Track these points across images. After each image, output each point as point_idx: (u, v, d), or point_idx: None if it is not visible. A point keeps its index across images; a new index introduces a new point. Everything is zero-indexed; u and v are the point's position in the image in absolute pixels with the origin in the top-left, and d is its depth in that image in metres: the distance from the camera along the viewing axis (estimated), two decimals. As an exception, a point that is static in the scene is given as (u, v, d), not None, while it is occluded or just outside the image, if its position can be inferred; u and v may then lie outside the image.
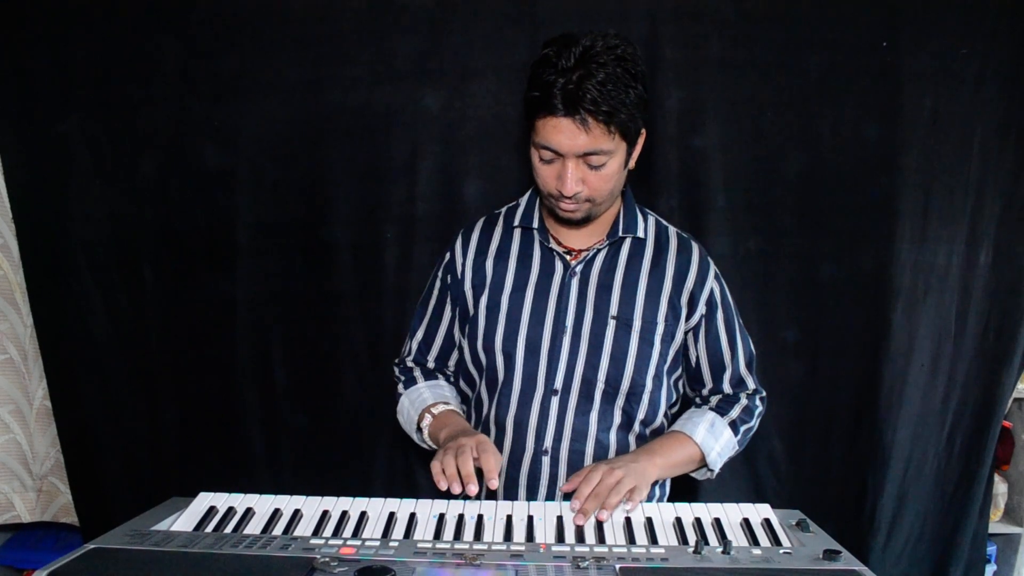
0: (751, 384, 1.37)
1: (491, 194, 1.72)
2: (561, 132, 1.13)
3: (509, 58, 1.68)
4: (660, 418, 1.35)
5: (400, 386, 1.43)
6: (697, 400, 1.41)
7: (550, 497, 1.30)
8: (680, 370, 1.38)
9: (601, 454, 1.30)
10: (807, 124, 1.69)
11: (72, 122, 1.76)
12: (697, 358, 1.36)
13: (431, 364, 1.44)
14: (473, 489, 1.07)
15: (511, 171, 1.72)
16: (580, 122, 1.11)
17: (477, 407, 1.38)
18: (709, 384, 1.37)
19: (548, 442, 1.29)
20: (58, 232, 1.81)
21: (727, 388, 1.36)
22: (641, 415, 1.31)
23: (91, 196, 1.79)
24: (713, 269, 1.36)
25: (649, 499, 1.38)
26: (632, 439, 1.33)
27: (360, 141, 1.74)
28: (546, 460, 1.30)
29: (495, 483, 1.09)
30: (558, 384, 1.29)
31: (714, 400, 1.37)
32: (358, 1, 1.69)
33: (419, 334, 1.43)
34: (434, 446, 1.30)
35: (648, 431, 1.35)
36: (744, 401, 1.36)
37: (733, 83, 1.68)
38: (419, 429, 1.33)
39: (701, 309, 1.33)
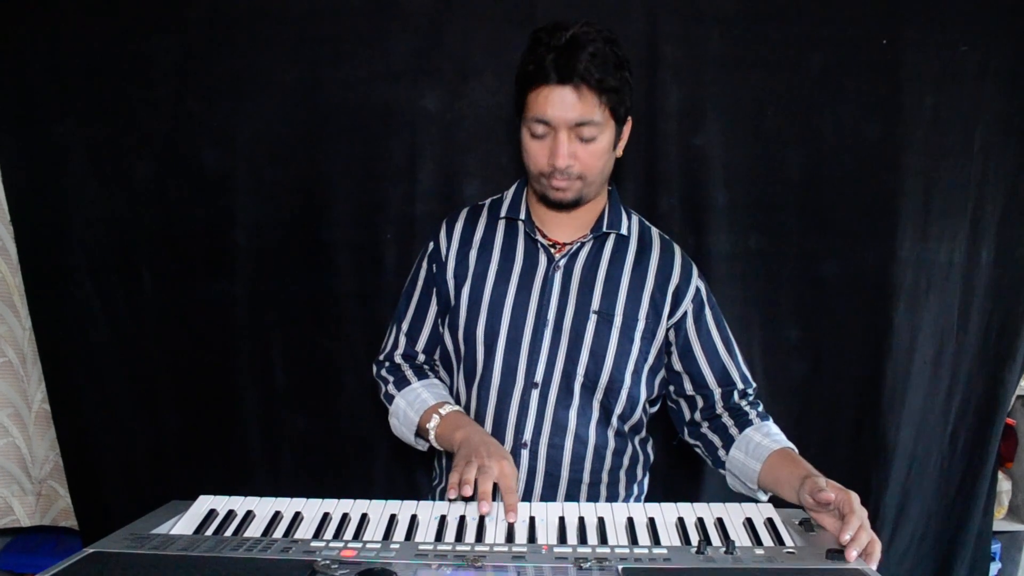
0: (753, 382, 1.37)
1: (490, 193, 1.70)
2: (553, 101, 1.15)
3: (508, 57, 1.67)
4: (638, 414, 1.35)
5: (390, 386, 1.37)
6: (719, 411, 1.33)
7: (527, 491, 1.30)
8: (663, 372, 1.37)
9: (580, 449, 1.30)
10: (808, 122, 1.69)
11: (69, 124, 1.76)
12: (696, 363, 1.33)
13: (420, 358, 1.41)
14: (485, 507, 1.06)
15: (511, 171, 1.72)
16: (574, 88, 1.14)
17: (454, 397, 1.37)
18: (717, 389, 1.33)
19: (527, 435, 1.29)
20: (56, 235, 1.81)
21: (740, 385, 1.34)
22: (619, 410, 1.32)
23: (89, 198, 1.79)
24: (696, 269, 1.36)
25: (627, 498, 1.39)
26: (611, 434, 1.33)
27: (359, 141, 1.74)
28: (525, 454, 1.30)
29: (514, 516, 1.08)
30: (538, 377, 1.29)
31: (752, 411, 1.32)
32: (356, 0, 1.69)
33: (405, 325, 1.41)
34: (439, 447, 1.29)
35: (626, 427, 1.35)
36: (761, 404, 1.36)
37: (733, 81, 1.67)
38: (420, 432, 1.31)
39: (686, 306, 1.33)
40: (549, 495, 1.31)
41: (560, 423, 1.29)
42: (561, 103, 1.14)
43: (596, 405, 1.31)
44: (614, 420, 1.32)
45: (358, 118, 1.73)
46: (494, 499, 1.09)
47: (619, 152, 1.26)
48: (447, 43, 1.69)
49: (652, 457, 1.44)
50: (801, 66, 1.67)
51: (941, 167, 1.69)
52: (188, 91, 1.74)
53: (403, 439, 1.38)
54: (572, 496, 1.32)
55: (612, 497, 1.36)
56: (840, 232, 1.72)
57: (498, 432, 1.30)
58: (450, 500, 1.09)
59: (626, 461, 1.37)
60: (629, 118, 1.24)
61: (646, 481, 1.45)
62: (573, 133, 1.17)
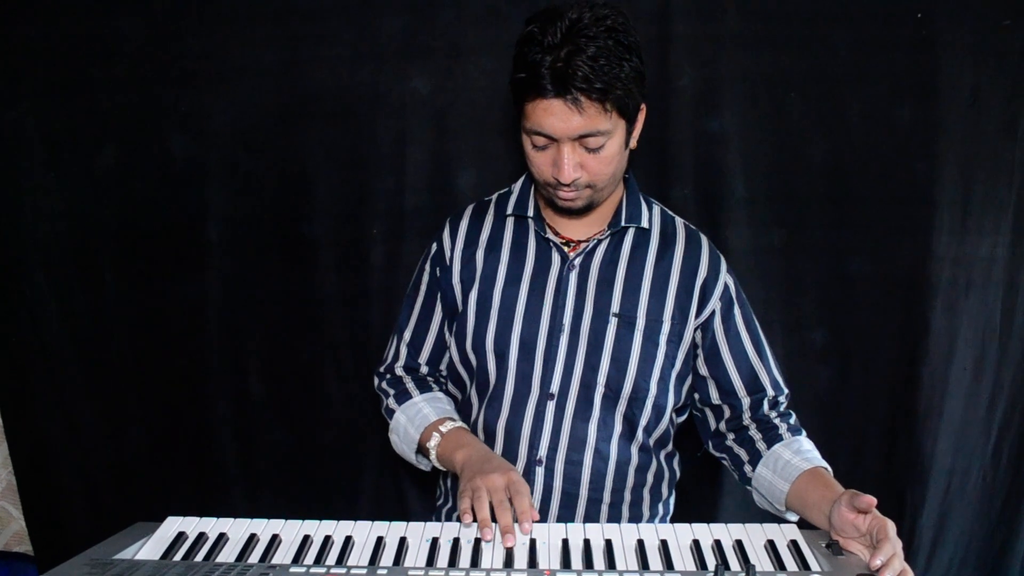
0: (785, 388, 1.36)
1: (486, 184, 1.72)
2: (553, 115, 1.13)
3: (505, 34, 1.67)
4: (665, 425, 1.35)
5: (390, 400, 1.39)
6: (746, 422, 1.34)
7: (542, 512, 1.30)
8: (690, 379, 1.37)
9: (600, 466, 1.30)
10: (834, 105, 1.68)
11: (24, 109, 1.76)
12: (723, 367, 1.33)
13: (423, 369, 1.42)
14: (511, 540, 1.06)
15: (508, 159, 1.72)
16: (572, 102, 1.11)
17: (464, 411, 1.38)
18: (746, 398, 1.33)
19: (542, 451, 1.29)
20: (8, 231, 1.80)
21: (771, 392, 1.34)
22: (644, 422, 1.31)
23: (45, 190, 1.79)
24: (725, 263, 1.36)
25: (651, 519, 1.38)
26: (634, 449, 1.33)
27: (342, 127, 1.74)
28: (540, 471, 1.29)
29: (528, 527, 1.08)
30: (554, 388, 1.29)
31: (783, 424, 1.32)
32: (339, -27, 1.69)
33: (407, 335, 1.42)
34: (440, 467, 1.29)
35: (652, 440, 1.35)
36: (794, 415, 1.35)
37: (752, 61, 1.67)
38: (421, 450, 1.31)
39: (714, 304, 1.32)
40: (566, 515, 1.31)
41: (578, 437, 1.29)
42: (561, 118, 1.13)
43: (618, 417, 1.30)
44: (639, 433, 1.32)
45: (342, 102, 1.73)
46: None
47: (633, 145, 1.26)
48: (439, 20, 1.69)
49: (678, 474, 1.44)
50: (826, 44, 1.66)
51: (981, 153, 1.68)
52: (155, 73, 1.74)
53: (405, 458, 1.38)
54: (591, 517, 1.32)
55: (635, 518, 1.36)
56: (870, 226, 1.72)
57: (511, 448, 1.30)
58: (465, 525, 1.09)
59: (650, 478, 1.37)
60: (643, 107, 1.23)
61: (671, 500, 1.45)
62: (578, 144, 1.16)
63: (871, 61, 1.67)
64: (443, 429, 1.28)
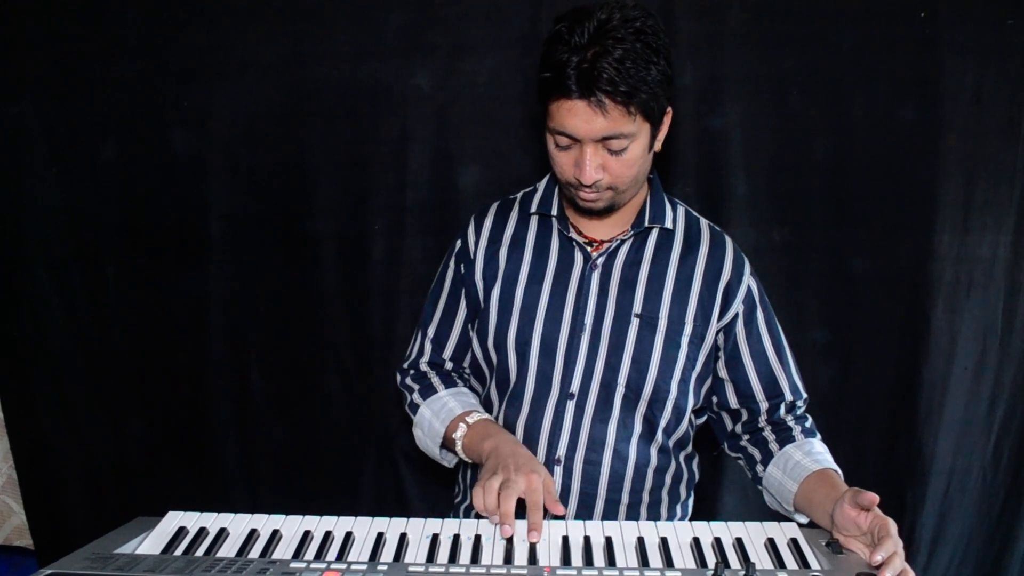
0: (804, 393, 1.36)
1: (489, 181, 1.72)
2: (576, 116, 1.13)
3: (508, 31, 1.67)
4: (684, 427, 1.35)
5: (415, 395, 1.39)
6: (761, 424, 1.35)
7: None
8: (709, 381, 1.37)
9: (619, 466, 1.30)
10: (837, 103, 1.69)
11: (25, 104, 1.76)
12: (743, 370, 1.33)
13: (448, 365, 1.43)
14: (508, 530, 1.05)
15: (511, 156, 1.72)
16: (596, 104, 1.11)
17: (485, 408, 1.38)
18: (764, 403, 1.34)
19: (561, 451, 1.29)
20: (10, 226, 1.81)
21: (789, 396, 1.34)
22: (663, 423, 1.32)
23: (47, 186, 1.79)
24: (749, 266, 1.36)
25: (669, 521, 1.39)
26: (654, 451, 1.33)
27: (344, 123, 1.74)
28: (558, 471, 1.30)
29: (536, 536, 1.06)
30: (575, 387, 1.29)
31: (797, 426, 1.33)
32: (341, -32, 1.70)
33: (431, 331, 1.42)
34: (467, 458, 1.29)
35: (671, 442, 1.35)
36: (810, 419, 1.36)
37: (755, 58, 1.67)
38: (446, 443, 1.31)
39: (737, 307, 1.32)
40: (584, 515, 1.31)
41: (597, 438, 1.29)
42: (584, 119, 1.13)
43: (638, 418, 1.31)
44: (658, 434, 1.32)
45: (344, 98, 1.73)
46: (519, 516, 1.09)
47: (657, 148, 1.25)
48: (441, 16, 1.69)
49: (697, 475, 1.45)
50: (830, 42, 1.66)
51: (984, 152, 1.69)
52: (156, 68, 1.74)
53: (428, 453, 1.38)
54: (609, 517, 1.32)
55: (653, 519, 1.36)
56: (872, 224, 1.72)
57: (530, 446, 1.30)
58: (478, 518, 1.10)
59: (668, 480, 1.37)
60: (669, 110, 1.22)
61: (691, 502, 1.45)
62: (600, 145, 1.16)
63: (874, 60, 1.67)
64: (470, 420, 1.28)
